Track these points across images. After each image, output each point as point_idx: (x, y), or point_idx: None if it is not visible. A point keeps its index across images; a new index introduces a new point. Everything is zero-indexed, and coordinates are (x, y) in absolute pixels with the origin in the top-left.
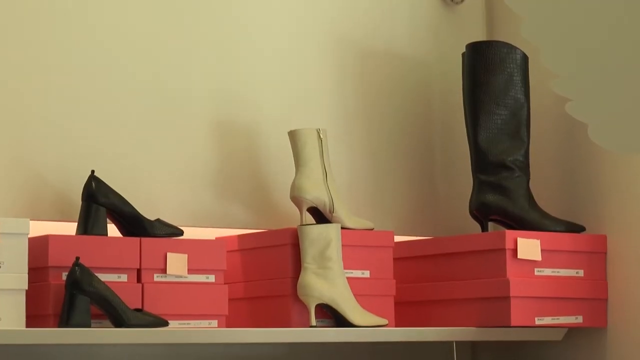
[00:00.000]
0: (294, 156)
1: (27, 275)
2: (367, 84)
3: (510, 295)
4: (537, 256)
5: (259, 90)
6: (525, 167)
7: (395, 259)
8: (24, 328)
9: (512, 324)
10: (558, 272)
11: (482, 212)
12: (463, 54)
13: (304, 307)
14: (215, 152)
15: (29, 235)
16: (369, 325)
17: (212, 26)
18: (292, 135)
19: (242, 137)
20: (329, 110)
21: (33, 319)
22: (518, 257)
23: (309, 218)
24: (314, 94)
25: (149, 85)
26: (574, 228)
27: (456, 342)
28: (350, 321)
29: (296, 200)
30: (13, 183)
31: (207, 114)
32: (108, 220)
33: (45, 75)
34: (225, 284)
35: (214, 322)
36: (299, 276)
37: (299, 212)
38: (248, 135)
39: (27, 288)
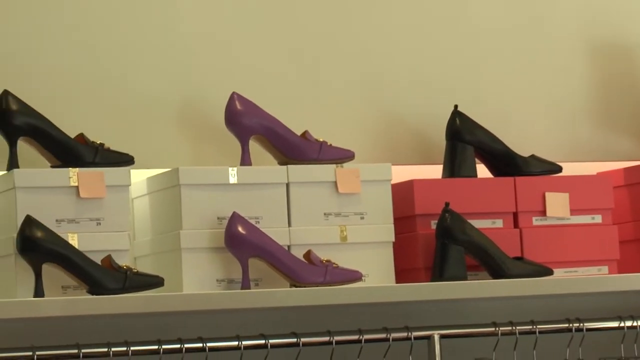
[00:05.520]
0: None
1: (392, 226)
2: None
3: None
4: None
5: (635, 5)
6: None
7: None
8: (394, 284)
9: None
10: None
11: None
12: None
13: None
14: (591, 77)
15: (391, 182)
16: None
17: None
18: None
19: (619, 60)
20: None
21: (402, 273)
22: None
23: None
24: None
25: (513, 10)
26: None
27: None
28: None
29: None
30: (371, 127)
31: (580, 37)
32: (476, 159)
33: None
34: (613, 224)
35: (604, 269)
36: None
37: None
38: (628, 56)
39: (393, 240)
